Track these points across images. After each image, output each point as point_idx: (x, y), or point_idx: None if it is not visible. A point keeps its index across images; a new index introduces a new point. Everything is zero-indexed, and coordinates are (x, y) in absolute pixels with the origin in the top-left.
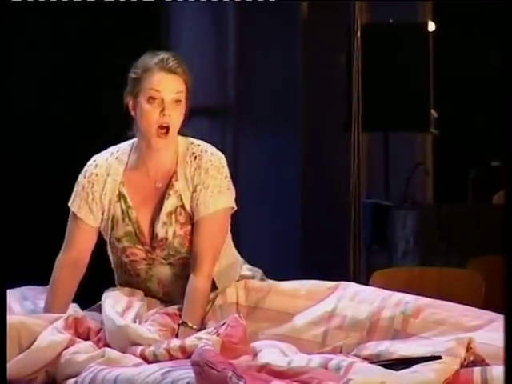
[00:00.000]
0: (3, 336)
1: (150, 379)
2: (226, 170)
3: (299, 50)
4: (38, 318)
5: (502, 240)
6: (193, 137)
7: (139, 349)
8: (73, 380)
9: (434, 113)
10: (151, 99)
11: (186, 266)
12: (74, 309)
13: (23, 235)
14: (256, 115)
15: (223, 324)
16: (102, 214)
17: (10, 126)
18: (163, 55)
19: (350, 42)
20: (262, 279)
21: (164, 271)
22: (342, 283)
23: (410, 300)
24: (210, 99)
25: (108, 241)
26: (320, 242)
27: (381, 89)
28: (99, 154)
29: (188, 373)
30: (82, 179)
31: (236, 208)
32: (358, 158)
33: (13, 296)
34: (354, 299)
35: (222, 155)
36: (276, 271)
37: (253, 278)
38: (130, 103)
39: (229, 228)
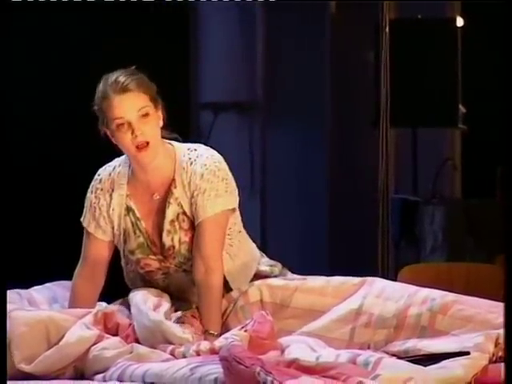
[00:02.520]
0: (3, 336)
1: (179, 374)
2: (223, 173)
3: (327, 47)
4: (67, 314)
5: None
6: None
7: (169, 348)
8: (101, 375)
9: (462, 108)
10: (119, 126)
11: None
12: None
13: (51, 228)
14: (284, 111)
15: (250, 321)
16: (113, 228)
17: (11, 128)
18: (115, 76)
19: (378, 37)
20: (281, 273)
21: (181, 278)
22: (368, 279)
23: (437, 297)
24: (239, 95)
25: (122, 254)
26: (348, 238)
27: (409, 84)
28: (102, 169)
29: (216, 368)
30: (89, 194)
31: (237, 209)
32: (386, 154)
33: (42, 296)
34: (380, 296)
35: (219, 158)
36: (303, 267)
37: (271, 273)
38: (107, 132)
39: (241, 226)
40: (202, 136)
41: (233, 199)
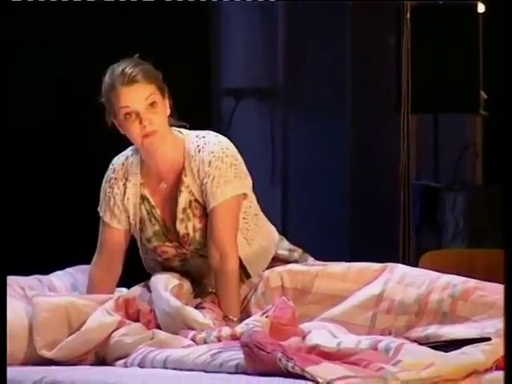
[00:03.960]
0: (3, 335)
1: (200, 360)
2: (231, 159)
3: (348, 32)
4: (88, 299)
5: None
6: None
7: (190, 334)
8: (122, 361)
9: (483, 94)
10: (127, 115)
11: None
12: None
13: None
14: (305, 97)
15: (271, 307)
16: (128, 217)
17: (12, 128)
18: (121, 67)
19: (399, 24)
20: (301, 258)
21: (199, 264)
22: (390, 265)
23: (458, 283)
24: (260, 81)
25: (139, 243)
26: (369, 224)
27: (430, 71)
28: (116, 158)
29: (237, 354)
30: (104, 184)
31: (250, 193)
32: (408, 140)
33: (62, 282)
34: (401, 282)
35: (227, 144)
36: (324, 252)
37: (289, 257)
38: (115, 122)
39: (258, 209)
40: (223, 122)
41: (243, 184)
